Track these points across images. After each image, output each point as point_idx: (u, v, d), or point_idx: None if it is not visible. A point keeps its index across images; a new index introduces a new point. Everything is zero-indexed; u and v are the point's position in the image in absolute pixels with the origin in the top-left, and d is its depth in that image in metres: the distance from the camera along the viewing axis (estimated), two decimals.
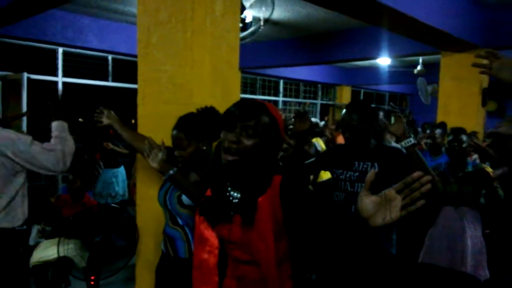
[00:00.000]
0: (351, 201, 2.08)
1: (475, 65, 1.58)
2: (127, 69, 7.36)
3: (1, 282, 1.96)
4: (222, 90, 2.28)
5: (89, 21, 6.48)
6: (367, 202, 1.00)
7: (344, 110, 2.18)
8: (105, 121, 2.16)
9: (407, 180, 0.96)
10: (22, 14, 4.73)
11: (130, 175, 5.42)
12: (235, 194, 1.27)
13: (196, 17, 2.10)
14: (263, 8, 4.37)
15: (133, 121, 5.77)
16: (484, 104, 5.38)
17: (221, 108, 2.38)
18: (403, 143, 1.96)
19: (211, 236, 1.31)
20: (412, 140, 1.97)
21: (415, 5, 3.90)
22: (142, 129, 2.38)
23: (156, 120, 2.31)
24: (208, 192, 1.33)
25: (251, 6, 4.17)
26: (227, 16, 2.23)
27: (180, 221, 1.84)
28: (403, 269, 2.92)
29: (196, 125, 1.83)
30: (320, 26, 6.58)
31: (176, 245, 1.85)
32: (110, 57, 7.10)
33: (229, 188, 1.29)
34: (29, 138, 2.01)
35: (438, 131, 3.82)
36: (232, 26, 2.28)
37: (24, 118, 5.39)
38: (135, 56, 7.16)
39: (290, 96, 10.60)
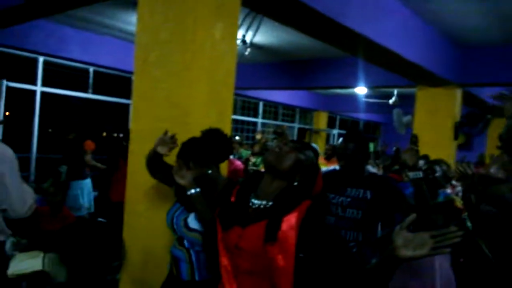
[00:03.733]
0: (341, 226, 2.14)
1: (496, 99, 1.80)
2: (108, 82, 7.31)
3: None
4: (217, 111, 2.34)
5: (73, 32, 6.44)
6: (400, 235, 1.12)
7: (341, 139, 2.27)
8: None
9: (445, 231, 1.09)
10: (6, 23, 4.66)
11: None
12: (256, 201, 1.36)
13: (197, 39, 2.17)
14: (250, 32, 4.51)
15: (104, 134, 5.69)
16: (456, 137, 5.67)
17: None
18: (411, 174, 2.02)
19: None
20: (420, 174, 2.03)
21: (392, 38, 4.11)
22: (134, 143, 2.40)
23: (149, 136, 2.32)
24: (232, 199, 1.43)
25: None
26: (226, 39, 2.32)
27: (186, 243, 1.84)
28: None
29: (198, 150, 1.82)
30: (302, 53, 6.79)
31: (180, 267, 1.85)
32: (91, 69, 7.05)
33: (251, 196, 1.39)
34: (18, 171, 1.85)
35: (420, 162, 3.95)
36: (230, 49, 2.36)
37: (0, 126, 5.25)
38: (118, 70, 7.13)
39: (269, 118, 10.75)
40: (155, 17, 2.31)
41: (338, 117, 13.01)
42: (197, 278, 1.80)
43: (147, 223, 2.02)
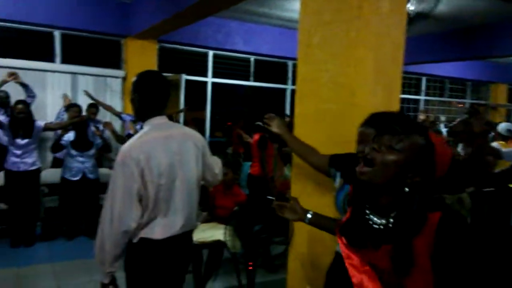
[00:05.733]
0: None
1: None
2: (266, 69, 7.71)
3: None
4: (384, 89, 2.21)
5: (236, 24, 6.96)
6: None
7: None
8: (274, 129, 2.12)
9: None
10: (182, 23, 5.28)
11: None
12: (375, 219, 1.18)
13: (363, 15, 2.07)
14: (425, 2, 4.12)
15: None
16: None
17: (382, 108, 2.33)
18: None
19: (356, 256, 1.22)
20: None
21: None
22: (299, 127, 2.46)
23: (314, 118, 2.35)
24: (348, 213, 1.29)
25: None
26: (393, 12, 2.16)
27: None
28: None
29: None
30: (477, 18, 5.93)
31: None
32: (252, 58, 7.51)
33: (367, 211, 1.20)
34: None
35: None
36: (398, 23, 2.19)
37: (182, 113, 6.09)
38: (275, 57, 7.46)
39: (434, 95, 9.80)
40: None
41: None
42: None
43: (315, 203, 2.05)
